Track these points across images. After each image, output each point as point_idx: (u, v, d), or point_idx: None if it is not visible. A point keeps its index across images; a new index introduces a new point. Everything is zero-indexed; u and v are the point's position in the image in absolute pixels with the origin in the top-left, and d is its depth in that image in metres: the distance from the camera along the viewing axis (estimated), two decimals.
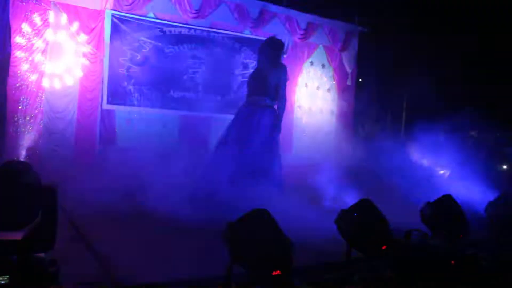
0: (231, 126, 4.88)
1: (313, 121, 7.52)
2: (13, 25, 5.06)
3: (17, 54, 5.13)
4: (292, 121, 7.28)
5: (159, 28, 6.14)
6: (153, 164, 4.83)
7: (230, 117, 6.67)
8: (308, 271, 2.89)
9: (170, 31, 6.24)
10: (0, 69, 4.98)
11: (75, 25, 5.50)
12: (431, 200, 3.38)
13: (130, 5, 5.81)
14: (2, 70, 5.04)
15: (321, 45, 7.67)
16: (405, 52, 7.84)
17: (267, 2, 6.90)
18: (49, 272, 1.93)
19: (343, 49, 7.87)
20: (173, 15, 6.24)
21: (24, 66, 5.19)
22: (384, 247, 2.66)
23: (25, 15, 5.15)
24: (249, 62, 6.98)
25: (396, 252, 2.68)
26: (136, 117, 6.04)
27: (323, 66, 7.77)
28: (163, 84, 6.21)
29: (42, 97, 5.32)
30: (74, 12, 5.47)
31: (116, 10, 5.77)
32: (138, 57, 6.00)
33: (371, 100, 6.83)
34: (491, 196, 4.15)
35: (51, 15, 5.33)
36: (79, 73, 5.58)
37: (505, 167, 6.70)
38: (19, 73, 5.16)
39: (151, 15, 6.10)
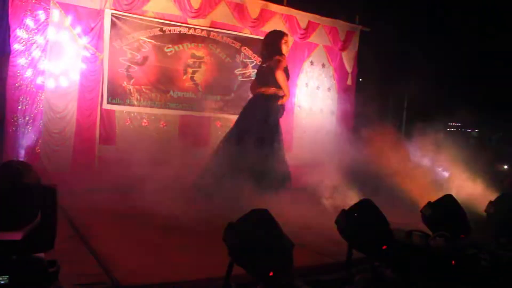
0: (238, 119, 5.03)
1: (313, 121, 7.51)
2: (12, 24, 5.04)
3: (16, 53, 5.12)
4: (292, 120, 7.28)
5: (158, 27, 6.13)
6: (152, 164, 4.83)
7: (230, 116, 6.72)
8: (308, 271, 2.89)
9: (170, 31, 6.23)
10: None
11: (75, 25, 5.49)
12: (432, 200, 3.38)
13: (129, 4, 5.80)
14: (1, 70, 5.03)
15: (321, 45, 7.66)
16: (406, 52, 7.83)
17: (267, 1, 6.90)
18: (49, 272, 1.92)
19: (343, 48, 7.86)
20: (172, 14, 6.23)
21: (24, 66, 5.18)
22: (384, 247, 2.65)
23: (24, 14, 5.14)
24: (249, 62, 6.98)
25: (397, 252, 2.68)
26: (136, 117, 6.04)
27: (323, 65, 7.76)
28: (162, 84, 6.20)
29: (41, 96, 5.31)
30: (73, 11, 5.46)
31: (115, 10, 5.76)
32: (138, 56, 6.00)
33: (371, 99, 6.82)
34: (492, 196, 4.14)
35: (51, 14, 5.31)
36: (78, 73, 5.57)
37: (506, 167, 6.70)
38: (18, 73, 5.15)
39: (151, 14, 6.09)
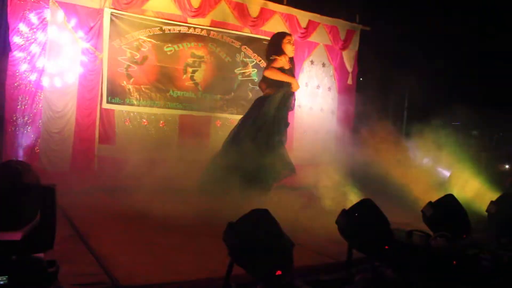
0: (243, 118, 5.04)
1: (313, 120, 7.50)
2: (11, 24, 5.03)
3: (16, 53, 5.10)
4: (292, 120, 7.26)
5: (158, 26, 6.11)
6: (152, 163, 4.82)
7: (230, 116, 6.71)
8: (308, 271, 2.88)
9: (170, 30, 6.22)
10: None
11: (74, 24, 5.48)
12: (433, 200, 3.37)
13: (129, 3, 5.79)
14: (1, 70, 5.02)
15: (321, 44, 7.65)
16: (406, 51, 7.81)
17: (267, 1, 6.89)
18: (48, 272, 1.92)
19: (343, 48, 7.85)
20: (172, 14, 6.21)
21: (23, 65, 5.16)
22: (385, 247, 2.64)
23: (23, 14, 5.13)
24: (249, 61, 6.96)
25: (397, 252, 2.67)
26: (136, 117, 6.02)
27: (323, 65, 7.75)
28: (162, 83, 6.19)
29: (41, 96, 5.30)
30: (72, 11, 5.45)
31: (115, 9, 5.75)
32: (137, 56, 5.98)
33: (371, 99, 6.81)
34: (493, 196, 4.13)
35: (50, 14, 5.30)
36: (78, 72, 5.56)
37: (507, 166, 6.69)
38: (17, 73, 5.14)
39: (150, 13, 6.08)
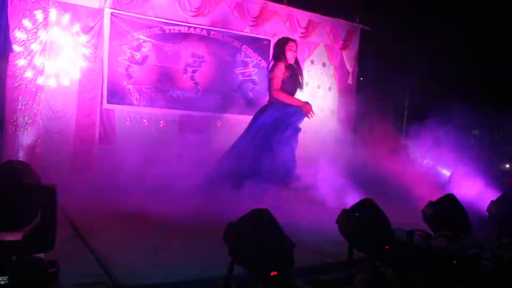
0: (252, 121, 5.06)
1: (313, 120, 7.47)
2: (12, 24, 5.03)
3: (16, 53, 5.11)
4: None
5: (158, 26, 6.11)
6: (152, 163, 4.82)
7: (230, 116, 6.71)
8: (309, 271, 2.88)
9: (170, 30, 6.22)
10: None
11: (74, 24, 5.48)
12: (433, 200, 3.37)
13: (129, 3, 5.79)
14: (1, 70, 5.02)
15: (321, 44, 7.65)
16: (407, 51, 7.82)
17: (267, 0, 6.89)
18: (49, 272, 1.91)
19: (344, 47, 7.84)
20: (172, 14, 6.21)
21: (23, 66, 5.17)
22: (385, 247, 2.64)
23: (23, 14, 5.13)
24: (250, 61, 6.96)
25: (398, 252, 2.67)
26: (136, 117, 6.02)
27: (323, 64, 7.75)
28: (162, 83, 6.19)
29: (41, 96, 5.30)
30: (73, 11, 5.45)
31: (115, 9, 5.75)
32: (138, 56, 5.98)
33: (372, 99, 6.81)
34: (493, 195, 4.13)
35: (50, 14, 5.31)
36: (78, 72, 5.56)
37: (507, 166, 6.68)
38: (17, 73, 5.14)
39: (151, 13, 6.08)
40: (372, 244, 2.65)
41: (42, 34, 5.27)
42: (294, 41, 5.24)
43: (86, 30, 5.56)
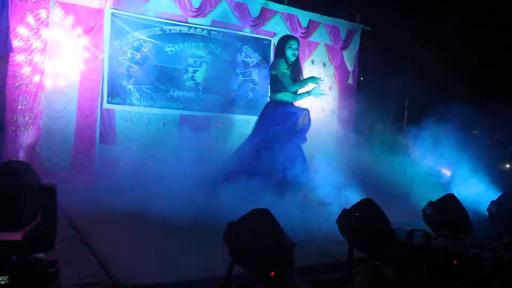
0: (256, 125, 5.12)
1: (314, 120, 7.47)
2: (12, 24, 5.03)
3: (16, 53, 5.11)
4: None
5: (159, 26, 6.11)
6: (153, 163, 4.82)
7: (231, 116, 6.71)
8: (309, 271, 2.88)
9: (170, 30, 6.22)
10: None
11: (75, 24, 5.48)
12: (433, 200, 3.36)
13: (129, 3, 5.79)
14: (1, 70, 5.02)
15: (322, 44, 7.64)
16: (407, 51, 7.81)
17: (268, 0, 6.89)
18: (49, 273, 1.91)
19: (344, 47, 7.84)
20: (173, 14, 6.22)
21: (23, 66, 5.17)
22: (385, 247, 2.64)
23: (24, 14, 5.13)
24: (250, 61, 6.96)
25: (398, 252, 2.67)
26: (136, 117, 6.02)
27: (324, 64, 7.74)
28: (163, 83, 6.19)
29: (41, 96, 5.31)
30: (73, 11, 5.45)
31: (115, 9, 5.75)
32: (138, 56, 5.98)
33: (372, 98, 6.81)
34: (494, 195, 4.13)
35: (50, 14, 5.31)
36: (78, 72, 5.56)
37: (508, 166, 6.68)
38: (18, 73, 5.14)
39: (151, 13, 6.08)
40: (372, 244, 2.65)
41: (43, 34, 5.27)
42: (296, 39, 5.25)
43: (87, 30, 5.56)
